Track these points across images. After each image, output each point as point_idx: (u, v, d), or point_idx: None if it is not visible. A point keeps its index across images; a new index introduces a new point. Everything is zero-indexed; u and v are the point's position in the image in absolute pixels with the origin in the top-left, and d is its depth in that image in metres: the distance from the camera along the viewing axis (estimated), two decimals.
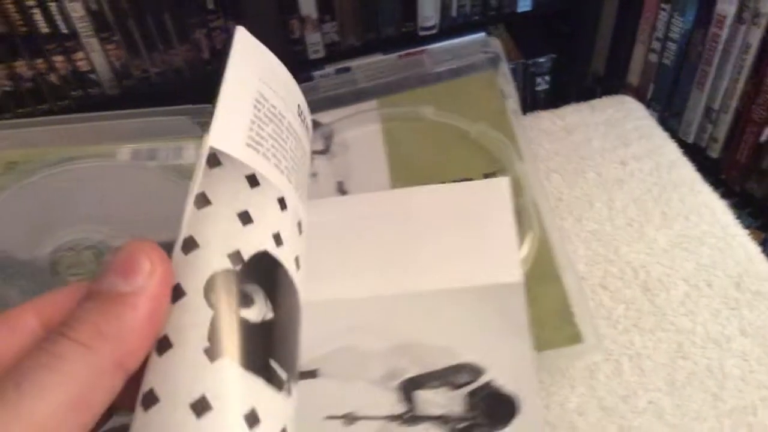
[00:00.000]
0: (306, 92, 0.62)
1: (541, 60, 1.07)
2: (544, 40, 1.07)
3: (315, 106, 0.60)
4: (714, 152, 1.01)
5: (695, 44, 0.95)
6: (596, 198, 0.56)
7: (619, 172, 0.57)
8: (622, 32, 1.04)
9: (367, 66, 0.62)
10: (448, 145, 0.55)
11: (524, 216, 0.49)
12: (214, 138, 0.23)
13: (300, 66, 0.98)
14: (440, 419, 0.41)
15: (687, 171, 0.58)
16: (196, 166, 0.24)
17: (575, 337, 0.45)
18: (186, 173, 0.57)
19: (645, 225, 0.54)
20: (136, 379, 0.22)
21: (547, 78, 1.09)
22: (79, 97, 0.94)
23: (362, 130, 0.58)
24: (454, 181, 0.52)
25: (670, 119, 0.93)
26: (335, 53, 0.99)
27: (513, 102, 0.55)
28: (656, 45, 1.00)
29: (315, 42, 0.97)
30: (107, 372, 0.21)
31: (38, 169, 0.58)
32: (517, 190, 0.49)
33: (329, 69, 1.01)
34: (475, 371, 0.42)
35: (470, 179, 0.52)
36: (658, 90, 1.02)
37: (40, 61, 0.88)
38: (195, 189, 0.23)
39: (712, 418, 0.45)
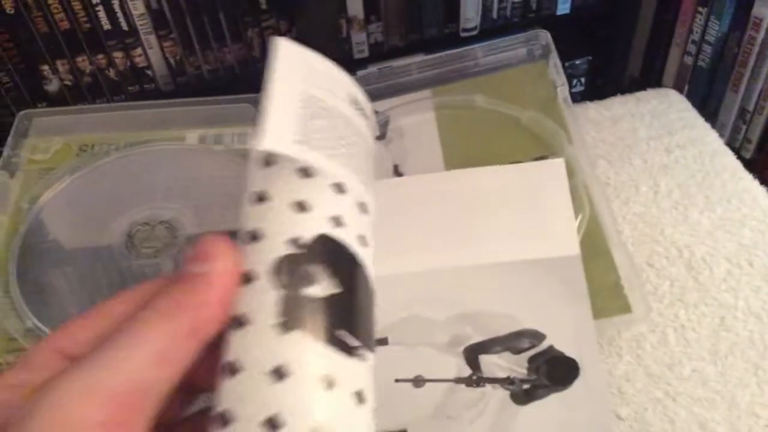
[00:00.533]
0: (360, 81, 0.65)
1: (578, 62, 1.10)
2: (581, 43, 1.09)
3: (370, 95, 0.63)
4: (747, 153, 1.03)
5: (731, 47, 0.98)
6: (642, 182, 0.59)
7: (664, 159, 0.60)
8: (658, 35, 1.06)
9: (418, 62, 0.65)
10: (500, 131, 0.58)
11: (575, 196, 0.52)
12: (263, 141, 0.26)
13: (345, 65, 1.01)
14: (505, 380, 0.44)
15: (729, 159, 0.60)
16: (247, 168, 0.28)
17: (625, 308, 0.48)
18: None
19: (689, 208, 0.57)
20: (213, 358, 0.25)
21: (582, 80, 1.12)
22: (134, 93, 0.98)
23: (417, 118, 0.61)
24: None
25: (704, 120, 0.95)
26: (379, 53, 1.03)
27: (563, 90, 0.58)
28: (692, 48, 1.02)
29: (360, 42, 1.01)
30: (184, 336, 0.24)
31: (111, 152, 0.62)
32: (568, 172, 0.52)
33: (372, 68, 1.04)
34: (536, 337, 0.45)
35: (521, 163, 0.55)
36: (692, 92, 1.04)
37: (100, 56, 0.93)
38: (250, 188, 0.27)
39: (753, 384, 0.47)
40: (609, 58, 1.10)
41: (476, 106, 0.60)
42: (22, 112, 0.63)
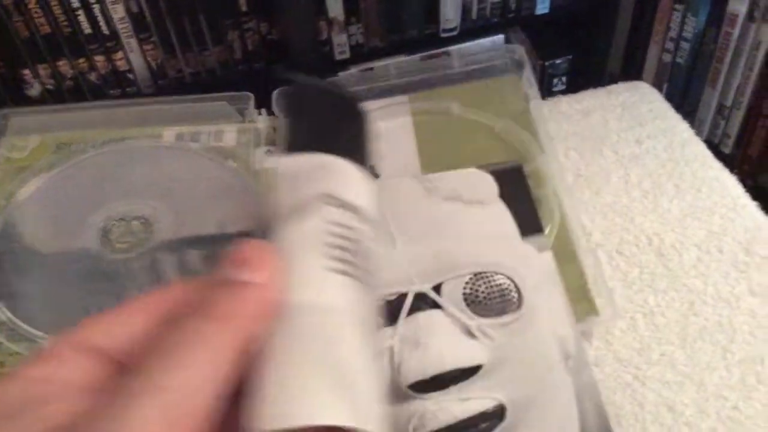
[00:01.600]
0: (341, 83, 0.65)
1: (558, 61, 1.11)
2: (561, 42, 1.11)
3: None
4: (727, 148, 1.04)
5: (708, 43, 0.99)
6: (613, 173, 0.59)
7: (635, 150, 0.61)
8: (637, 33, 1.08)
9: (396, 65, 0.66)
10: (475, 138, 0.59)
11: (545, 205, 0.52)
12: None
13: (326, 67, 1.02)
14: None
15: (699, 148, 0.61)
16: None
17: (591, 310, 0.48)
18: (227, 154, 0.61)
19: (659, 197, 0.57)
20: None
21: (564, 79, 1.13)
22: (116, 96, 0.98)
23: (394, 122, 0.62)
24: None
25: (683, 117, 0.97)
26: (360, 54, 1.04)
27: (536, 103, 0.59)
28: (670, 45, 1.03)
29: (341, 43, 1.02)
30: (237, 348, 0.23)
31: (88, 149, 0.63)
32: (540, 181, 0.53)
33: (354, 70, 1.05)
34: None
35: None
36: (671, 89, 1.05)
37: (81, 60, 0.93)
38: None
39: (722, 368, 0.48)
40: (589, 57, 1.11)
41: (452, 113, 0.60)
42: None
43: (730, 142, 1.04)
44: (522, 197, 0.51)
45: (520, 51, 0.61)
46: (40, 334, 0.50)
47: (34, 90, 0.94)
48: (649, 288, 0.52)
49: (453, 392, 0.41)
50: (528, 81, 0.59)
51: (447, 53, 0.64)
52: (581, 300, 0.47)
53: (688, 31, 1.00)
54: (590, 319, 0.47)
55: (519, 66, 0.61)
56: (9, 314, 0.51)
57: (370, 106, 0.62)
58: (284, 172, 0.35)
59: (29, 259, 0.55)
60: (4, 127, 0.63)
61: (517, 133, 0.56)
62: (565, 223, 0.51)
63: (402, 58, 1.02)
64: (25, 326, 0.51)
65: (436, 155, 0.58)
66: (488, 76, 0.63)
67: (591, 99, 0.66)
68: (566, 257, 0.49)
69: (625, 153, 0.61)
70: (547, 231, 0.50)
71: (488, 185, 0.52)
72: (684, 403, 0.46)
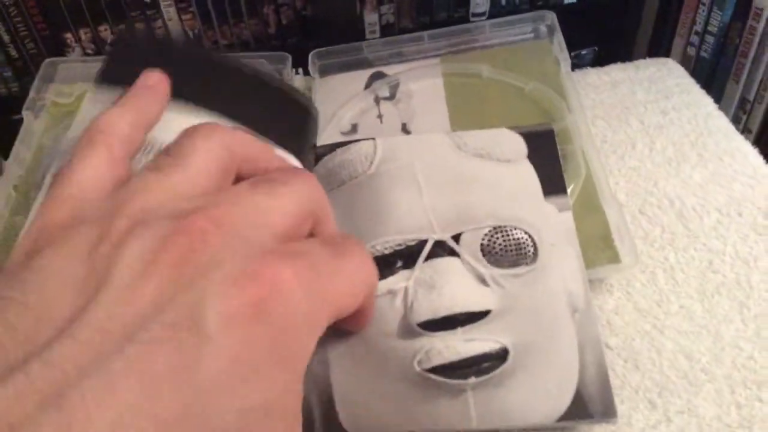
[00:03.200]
0: (373, 47, 0.68)
1: (584, 52, 1.13)
2: (587, 33, 1.13)
3: (382, 61, 0.66)
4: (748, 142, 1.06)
5: (732, 37, 1.01)
6: (638, 140, 0.61)
7: (660, 120, 0.63)
8: (662, 26, 1.10)
9: (429, 34, 0.68)
10: (504, 100, 0.61)
11: (572, 160, 0.55)
12: None
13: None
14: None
15: (722, 122, 0.63)
16: None
17: (614, 258, 0.50)
18: None
19: (682, 163, 0.59)
20: None
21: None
22: None
23: (425, 83, 0.64)
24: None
25: (700, 87, 0.98)
26: (390, 34, 1.06)
27: (566, 65, 0.61)
28: (695, 39, 1.05)
29: (372, 22, 1.04)
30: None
31: None
32: (567, 139, 0.55)
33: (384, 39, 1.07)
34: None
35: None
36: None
37: (122, 26, 0.97)
38: None
39: (738, 321, 0.49)
40: (614, 48, 1.13)
41: (482, 76, 0.63)
42: (47, 60, 0.66)
43: (752, 137, 1.06)
44: (550, 159, 0.53)
45: (551, 16, 0.63)
46: None
47: (75, 54, 0.97)
48: (669, 246, 0.54)
49: (459, 333, 0.44)
50: (559, 45, 0.61)
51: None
52: (604, 248, 0.50)
53: (714, 25, 1.02)
54: (612, 266, 0.49)
55: (550, 32, 0.63)
56: None
57: (402, 68, 0.65)
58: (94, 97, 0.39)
59: None
60: (53, 74, 0.65)
61: (546, 94, 0.58)
62: (591, 176, 0.53)
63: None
64: None
65: (466, 115, 0.60)
66: (519, 43, 0.65)
67: (619, 72, 0.68)
68: (591, 208, 0.51)
69: (651, 123, 0.63)
70: (570, 189, 0.52)
71: (517, 145, 0.54)
72: (700, 351, 0.48)
